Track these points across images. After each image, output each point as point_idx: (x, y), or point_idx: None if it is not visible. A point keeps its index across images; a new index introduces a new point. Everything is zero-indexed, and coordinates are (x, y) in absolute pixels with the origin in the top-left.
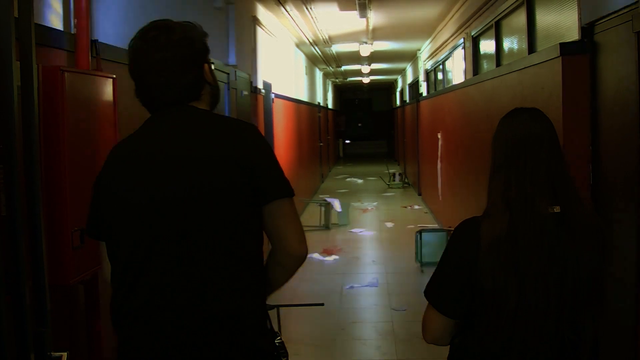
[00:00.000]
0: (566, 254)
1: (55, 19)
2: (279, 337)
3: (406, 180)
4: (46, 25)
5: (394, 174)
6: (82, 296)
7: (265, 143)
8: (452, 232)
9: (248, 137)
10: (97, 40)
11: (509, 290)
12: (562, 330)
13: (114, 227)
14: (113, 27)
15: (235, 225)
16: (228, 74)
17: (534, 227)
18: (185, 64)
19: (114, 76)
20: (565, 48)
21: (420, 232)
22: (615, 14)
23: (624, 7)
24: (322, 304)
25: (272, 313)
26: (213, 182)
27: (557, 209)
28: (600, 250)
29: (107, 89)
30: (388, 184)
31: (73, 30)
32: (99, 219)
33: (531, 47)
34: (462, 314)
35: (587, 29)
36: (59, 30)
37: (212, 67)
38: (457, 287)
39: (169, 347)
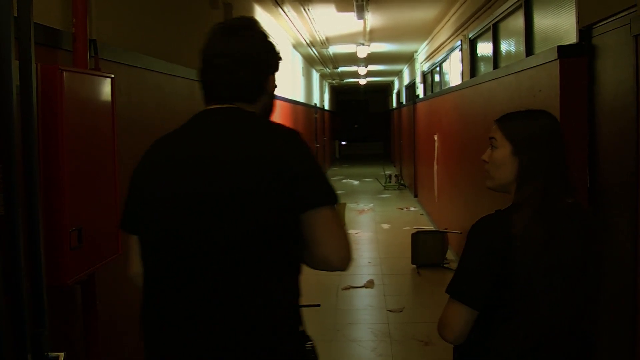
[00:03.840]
0: (583, 246)
1: (53, 19)
2: (310, 342)
3: (402, 182)
4: (45, 24)
5: (389, 176)
6: (80, 296)
7: (305, 149)
8: (471, 228)
9: (287, 142)
10: (96, 39)
11: (543, 288)
12: (584, 323)
13: (143, 223)
14: (111, 27)
15: (266, 230)
16: None
17: (567, 224)
18: (258, 61)
19: (113, 75)
20: (563, 51)
21: (416, 233)
22: (614, 17)
23: (622, 10)
24: (319, 305)
25: None
26: (244, 184)
27: (572, 199)
28: (599, 239)
29: (106, 89)
30: (384, 186)
31: (71, 30)
32: (132, 213)
33: (529, 50)
34: (484, 305)
35: (585, 32)
36: (58, 29)
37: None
38: (485, 279)
39: (196, 351)
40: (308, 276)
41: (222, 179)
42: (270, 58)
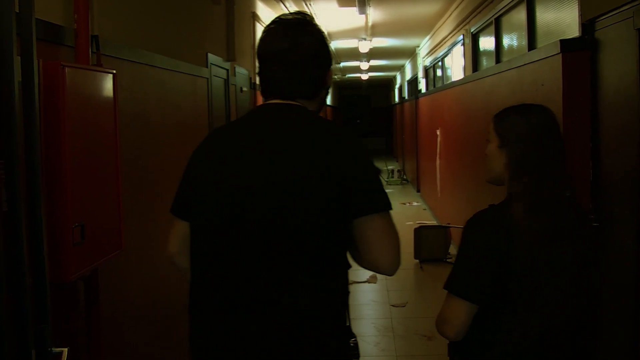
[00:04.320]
0: (579, 237)
1: (55, 14)
2: (354, 339)
3: (404, 177)
4: (46, 20)
5: (392, 171)
6: (82, 292)
7: (365, 155)
8: (468, 223)
9: (348, 146)
10: (97, 35)
11: (546, 282)
12: (583, 319)
13: (196, 210)
14: (113, 23)
15: (320, 227)
16: (227, 70)
17: (563, 215)
18: (320, 57)
19: (114, 71)
20: (566, 45)
21: (419, 228)
22: (616, 11)
23: (626, 3)
24: None
25: None
26: (302, 182)
27: (569, 193)
28: (592, 232)
29: (108, 85)
30: (386, 181)
31: (73, 26)
32: (185, 198)
33: (531, 44)
34: (486, 300)
35: (587, 26)
36: (59, 25)
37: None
38: (484, 274)
39: (244, 339)
40: None
41: (281, 174)
42: (329, 52)
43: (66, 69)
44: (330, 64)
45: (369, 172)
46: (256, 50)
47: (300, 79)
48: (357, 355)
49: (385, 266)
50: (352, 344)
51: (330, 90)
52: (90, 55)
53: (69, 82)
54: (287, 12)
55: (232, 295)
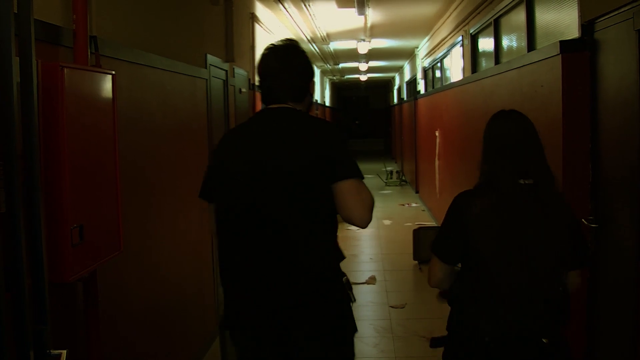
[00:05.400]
0: (537, 218)
1: (54, 15)
2: (345, 277)
3: (403, 178)
4: (45, 21)
5: (391, 172)
6: (81, 293)
7: (341, 138)
8: (454, 198)
9: (327, 132)
10: (96, 36)
11: (492, 249)
12: (539, 283)
13: (220, 192)
14: (112, 23)
15: (315, 195)
16: (226, 71)
17: (512, 197)
18: (303, 72)
19: (113, 72)
20: (565, 45)
21: (418, 229)
22: (616, 12)
23: (625, 4)
24: None
25: None
26: (298, 163)
27: (529, 181)
28: (567, 215)
29: (106, 85)
30: (385, 182)
31: (72, 26)
32: (210, 185)
33: (531, 45)
34: (457, 261)
35: (587, 27)
36: (58, 26)
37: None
38: (454, 241)
39: (263, 292)
40: None
41: (283, 159)
42: (311, 67)
43: (65, 70)
44: (312, 76)
45: (344, 150)
46: (256, 69)
47: (290, 89)
48: (350, 287)
49: (357, 218)
50: (344, 281)
51: (328, 92)
52: (88, 56)
53: (68, 83)
54: (286, 13)
55: (253, 257)
